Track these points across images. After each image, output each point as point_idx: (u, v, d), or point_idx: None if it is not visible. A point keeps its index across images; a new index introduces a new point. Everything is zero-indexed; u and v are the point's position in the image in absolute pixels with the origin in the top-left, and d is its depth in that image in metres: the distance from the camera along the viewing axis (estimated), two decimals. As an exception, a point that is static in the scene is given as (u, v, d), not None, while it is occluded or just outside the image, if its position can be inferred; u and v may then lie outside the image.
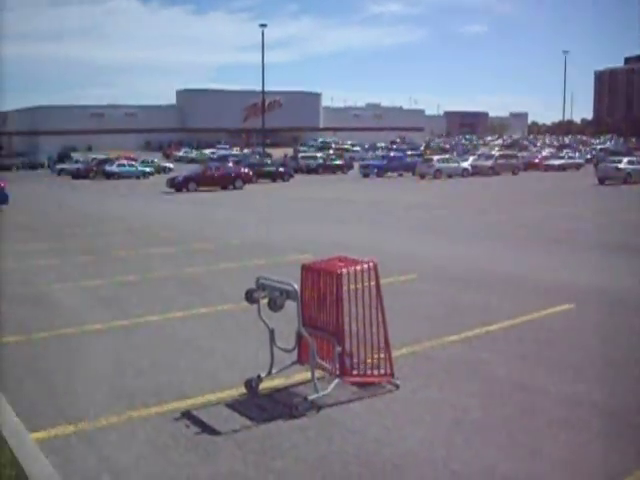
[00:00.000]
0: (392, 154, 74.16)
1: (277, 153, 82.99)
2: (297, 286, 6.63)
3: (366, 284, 6.70)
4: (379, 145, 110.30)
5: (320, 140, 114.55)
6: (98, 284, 13.04)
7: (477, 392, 6.84)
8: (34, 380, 7.53)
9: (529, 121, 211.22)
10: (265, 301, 6.75)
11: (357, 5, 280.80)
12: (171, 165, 75.72)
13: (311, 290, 6.87)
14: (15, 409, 6.45)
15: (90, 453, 5.64)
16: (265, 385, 6.93)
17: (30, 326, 9.84)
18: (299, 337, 6.84)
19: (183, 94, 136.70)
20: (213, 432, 6.00)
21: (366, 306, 6.73)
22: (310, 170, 62.55)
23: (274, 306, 6.57)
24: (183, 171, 50.95)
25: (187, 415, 6.38)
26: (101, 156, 75.89)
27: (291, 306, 6.68)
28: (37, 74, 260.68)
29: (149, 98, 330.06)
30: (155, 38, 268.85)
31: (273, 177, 52.85)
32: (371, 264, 6.77)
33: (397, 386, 6.91)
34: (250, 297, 6.85)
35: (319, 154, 74.02)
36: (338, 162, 67.28)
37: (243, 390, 6.87)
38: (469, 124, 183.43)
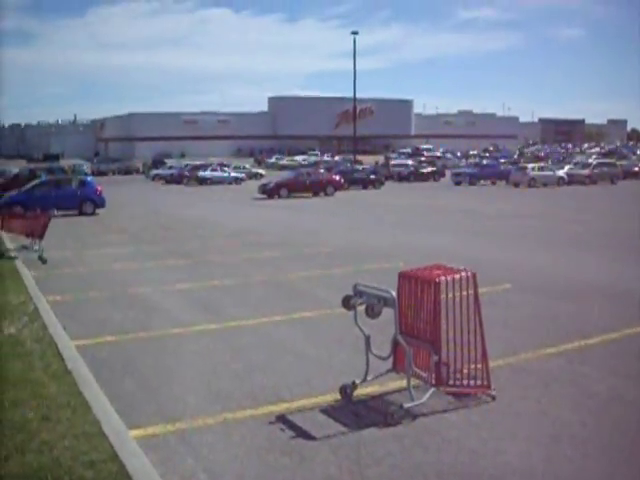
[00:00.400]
0: (485, 162, 73.18)
1: (368, 160, 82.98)
2: (394, 293, 6.60)
3: (464, 293, 6.62)
4: (472, 152, 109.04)
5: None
6: (194, 287, 13.30)
7: (576, 406, 6.65)
8: (134, 379, 7.73)
9: (629, 128, 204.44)
10: (362, 308, 6.75)
11: (448, 11, 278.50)
12: (262, 171, 76.65)
13: (408, 298, 6.82)
14: (115, 406, 6.62)
15: (187, 452, 5.75)
16: (360, 392, 6.92)
17: (128, 327, 10.12)
18: (395, 344, 6.80)
19: (275, 101, 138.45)
20: (308, 437, 6.03)
21: (463, 315, 6.64)
22: (401, 177, 62.22)
23: (371, 313, 6.55)
24: (274, 177, 51.54)
25: (282, 419, 6.43)
26: (194, 162, 77.49)
27: (384, 313, 6.65)
28: (132, 82, 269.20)
29: (241, 105, 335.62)
30: (247, 46, 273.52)
31: (364, 184, 52.80)
32: (469, 273, 6.68)
33: (494, 397, 6.78)
34: (347, 303, 6.86)
35: (410, 161, 73.62)
36: (430, 169, 66.73)
37: (338, 396, 6.88)
38: (564, 132, 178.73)
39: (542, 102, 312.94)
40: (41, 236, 17.27)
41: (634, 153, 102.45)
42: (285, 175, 50.52)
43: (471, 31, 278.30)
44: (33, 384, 6.95)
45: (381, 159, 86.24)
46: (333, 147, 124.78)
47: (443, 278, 6.53)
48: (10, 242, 19.11)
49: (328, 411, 6.61)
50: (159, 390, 7.35)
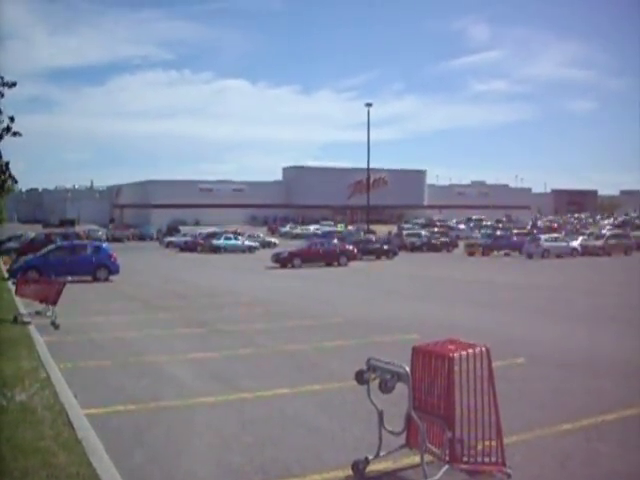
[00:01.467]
0: (498, 232, 73.43)
1: (381, 230, 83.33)
2: (408, 368, 6.56)
3: (478, 368, 6.56)
4: (485, 223, 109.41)
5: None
6: (207, 356, 13.26)
7: (594, 486, 6.52)
8: (144, 450, 7.65)
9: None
10: (375, 382, 6.70)
11: (462, 84, 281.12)
12: (276, 240, 77.10)
13: (421, 373, 6.76)
14: (124, 478, 6.55)
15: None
16: (372, 467, 6.80)
17: (140, 396, 10.06)
18: (408, 420, 6.72)
19: (289, 171, 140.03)
20: (319, 514, 5.92)
21: (477, 391, 6.57)
22: (414, 248, 62.50)
23: (385, 388, 6.50)
24: (288, 246, 51.74)
25: (293, 495, 6.33)
26: (208, 230, 78.10)
27: (397, 387, 6.59)
28: (149, 149, 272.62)
29: (256, 173, 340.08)
30: (263, 116, 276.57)
31: (377, 254, 52.98)
32: (484, 348, 6.63)
33: (509, 475, 6.64)
34: (360, 378, 6.81)
35: (423, 232, 73.97)
36: (443, 240, 66.98)
37: (350, 472, 6.76)
38: (577, 202, 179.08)
39: (555, 173, 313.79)
40: (54, 302, 17.32)
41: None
42: (298, 244, 50.79)
43: (484, 103, 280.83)
44: (43, 453, 6.90)
45: (394, 229, 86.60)
46: (347, 217, 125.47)
47: (457, 354, 6.49)
48: (24, 307, 19.16)
49: (340, 487, 6.51)
50: (169, 462, 7.26)
